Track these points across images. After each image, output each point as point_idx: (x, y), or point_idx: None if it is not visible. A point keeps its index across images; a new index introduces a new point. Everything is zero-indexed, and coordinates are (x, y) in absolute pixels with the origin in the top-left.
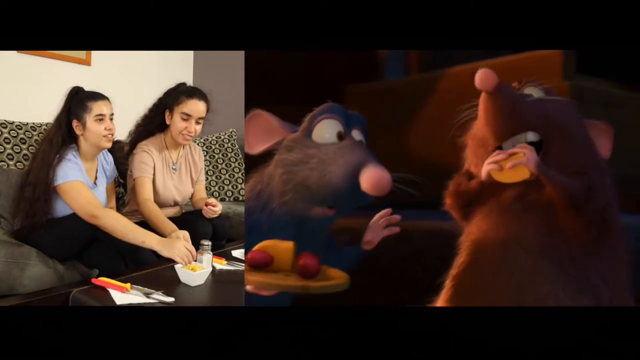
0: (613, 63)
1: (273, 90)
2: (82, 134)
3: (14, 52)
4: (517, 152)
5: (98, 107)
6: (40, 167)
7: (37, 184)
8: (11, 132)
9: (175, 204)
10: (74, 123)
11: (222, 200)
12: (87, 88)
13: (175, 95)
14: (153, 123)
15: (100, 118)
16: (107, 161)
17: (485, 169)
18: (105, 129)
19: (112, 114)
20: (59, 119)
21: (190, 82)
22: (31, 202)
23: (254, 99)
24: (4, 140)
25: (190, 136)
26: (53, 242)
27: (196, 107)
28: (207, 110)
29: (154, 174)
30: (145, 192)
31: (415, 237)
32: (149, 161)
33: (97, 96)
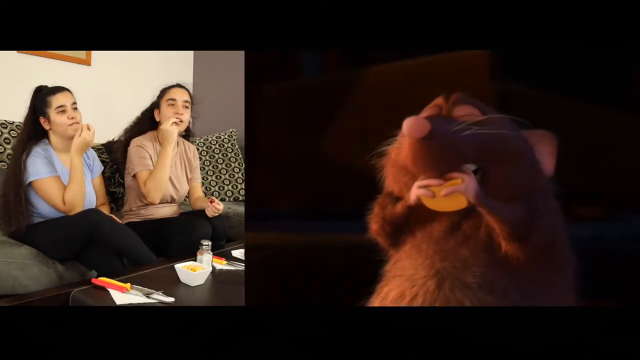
0: (536, 65)
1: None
2: (50, 128)
3: (14, 52)
4: (453, 177)
5: (57, 100)
6: (12, 164)
7: (10, 179)
8: (11, 132)
9: (172, 200)
10: (41, 120)
11: (222, 200)
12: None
13: (159, 93)
14: (142, 123)
15: (62, 109)
16: (88, 155)
17: (415, 193)
18: (67, 118)
19: (74, 103)
20: (25, 118)
21: (190, 82)
22: (8, 198)
23: (254, 99)
24: (4, 140)
25: (181, 120)
26: (52, 243)
27: (179, 92)
28: (191, 100)
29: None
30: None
31: (329, 254)
32: (146, 154)
33: (56, 90)
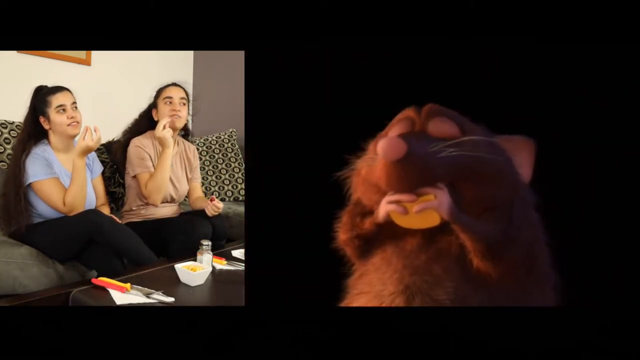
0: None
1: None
2: (49, 128)
3: (14, 52)
4: (426, 193)
5: (57, 99)
6: (12, 165)
7: (9, 180)
8: (11, 132)
9: (172, 199)
10: (41, 119)
11: (222, 200)
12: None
13: (155, 93)
14: (141, 124)
15: (62, 109)
16: (87, 156)
17: (384, 208)
18: (67, 117)
19: (74, 103)
20: (25, 118)
21: (190, 82)
22: (7, 198)
23: (254, 99)
24: (4, 140)
25: (179, 116)
26: (52, 243)
27: (175, 90)
28: (187, 97)
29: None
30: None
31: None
32: (145, 155)
33: (56, 89)
